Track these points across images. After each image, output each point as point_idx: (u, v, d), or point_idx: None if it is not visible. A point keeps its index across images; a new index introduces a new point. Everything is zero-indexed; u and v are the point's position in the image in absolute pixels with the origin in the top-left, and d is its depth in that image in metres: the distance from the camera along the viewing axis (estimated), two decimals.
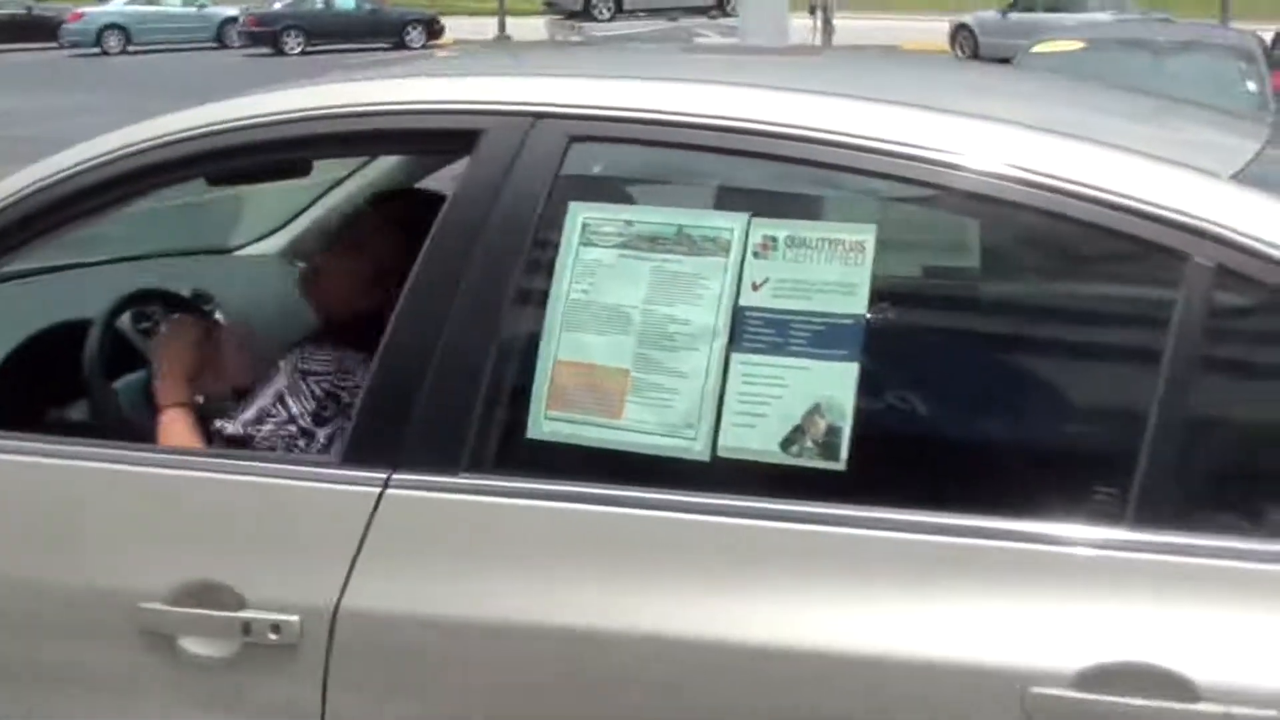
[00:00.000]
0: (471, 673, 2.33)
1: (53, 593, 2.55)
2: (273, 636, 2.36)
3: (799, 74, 3.02)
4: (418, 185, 3.84)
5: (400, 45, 40.84)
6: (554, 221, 2.40)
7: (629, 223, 2.37)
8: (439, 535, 2.36)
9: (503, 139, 2.47)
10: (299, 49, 40.04)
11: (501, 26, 42.35)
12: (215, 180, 3.00)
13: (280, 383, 2.91)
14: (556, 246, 2.38)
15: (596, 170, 2.60)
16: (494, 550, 2.33)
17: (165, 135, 2.69)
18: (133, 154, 2.69)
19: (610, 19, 38.95)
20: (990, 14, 34.09)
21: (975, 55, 32.40)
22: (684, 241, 2.32)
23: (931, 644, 2.10)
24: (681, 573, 2.23)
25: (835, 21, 34.83)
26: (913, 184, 2.35)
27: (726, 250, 2.30)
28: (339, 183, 4.35)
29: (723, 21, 32.94)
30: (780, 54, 3.87)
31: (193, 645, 2.42)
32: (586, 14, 39.07)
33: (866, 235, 2.26)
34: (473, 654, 2.31)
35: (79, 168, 2.71)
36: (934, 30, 37.20)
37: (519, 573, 2.29)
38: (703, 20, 36.21)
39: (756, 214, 2.31)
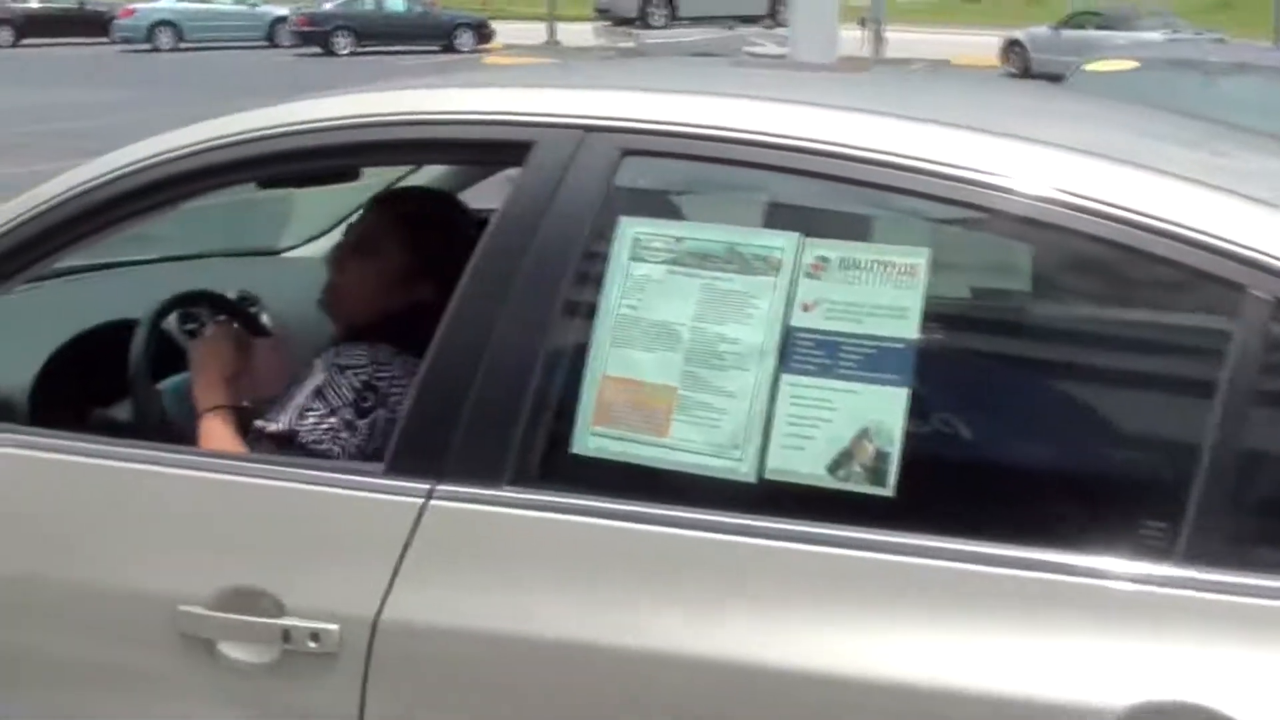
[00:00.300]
0: (510, 689, 2.31)
1: (93, 592, 2.55)
2: (312, 645, 2.35)
3: (851, 92, 3.00)
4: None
5: (449, 48, 41.03)
6: (604, 236, 2.38)
7: (679, 239, 2.35)
8: (481, 548, 2.35)
9: (554, 151, 2.46)
10: (349, 49, 40.25)
11: (551, 32, 42.44)
12: (266, 184, 2.99)
13: (317, 379, 2.91)
14: (606, 261, 2.37)
15: (648, 185, 2.58)
16: (535, 565, 2.31)
17: (220, 138, 2.69)
18: (183, 157, 2.70)
19: (665, 26, 39.00)
20: (1042, 29, 34.09)
21: (1026, 71, 32.39)
22: (735, 259, 2.31)
23: (972, 676, 2.07)
24: (725, 595, 2.21)
25: (887, 34, 34.82)
26: (964, 207, 2.32)
27: (778, 270, 2.28)
28: (388, 186, 4.34)
29: (778, 31, 32.96)
30: (832, 71, 3.84)
31: (231, 650, 2.41)
32: (642, 21, 39.10)
33: (920, 259, 2.24)
34: (512, 670, 2.30)
35: (132, 167, 2.71)
36: (984, 44, 37.12)
37: (560, 589, 2.28)
38: (757, 29, 36.23)
39: (808, 234, 2.30)
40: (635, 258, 2.35)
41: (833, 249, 2.27)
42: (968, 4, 55.66)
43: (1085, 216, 2.22)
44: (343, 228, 4.38)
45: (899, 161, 2.32)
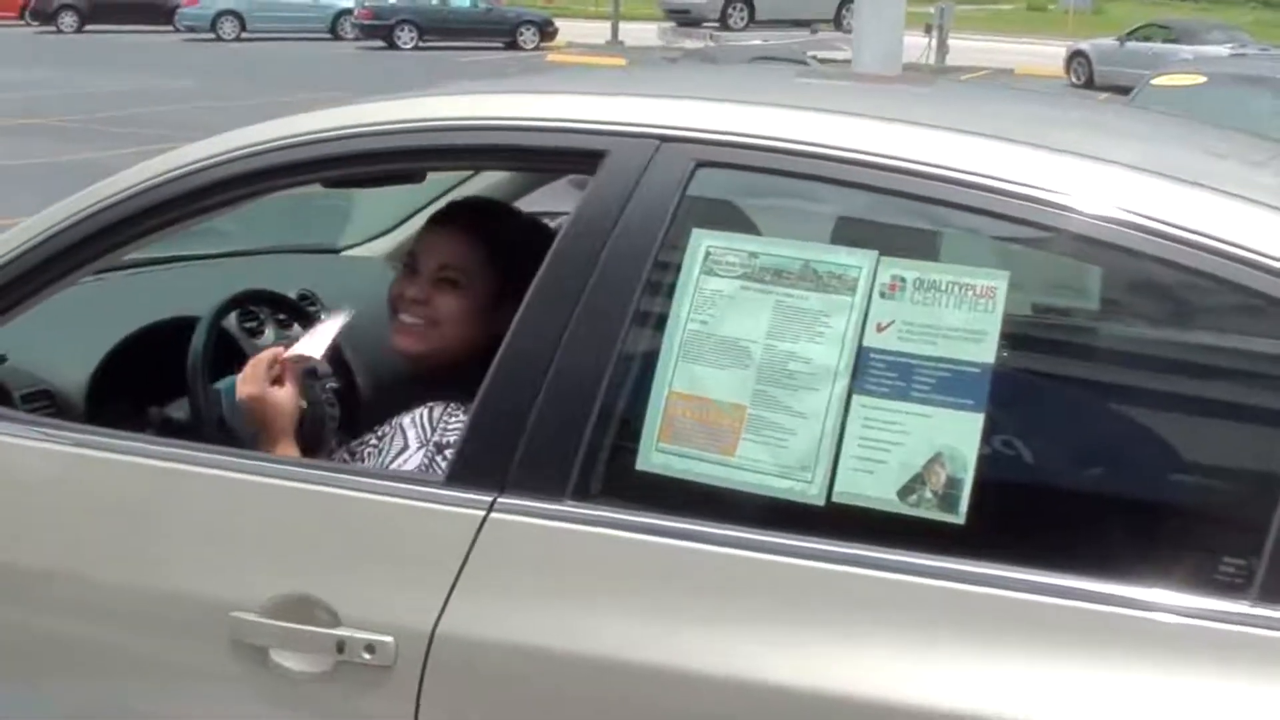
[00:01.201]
0: (566, 707, 2.28)
1: (146, 593, 2.53)
2: (366, 656, 2.32)
3: (926, 107, 2.95)
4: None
5: (513, 45, 41.16)
6: (676, 248, 2.34)
7: (753, 254, 2.31)
8: (541, 563, 2.31)
9: (628, 161, 2.42)
10: (412, 44, 40.43)
11: (614, 31, 42.48)
12: (332, 184, 2.97)
13: (414, 455, 2.77)
14: (677, 274, 2.33)
15: (721, 197, 2.54)
16: (596, 582, 2.27)
17: (290, 137, 2.68)
18: (253, 155, 2.68)
19: (744, 28, 39.14)
20: (1107, 41, 33.93)
21: (1089, 82, 32.27)
22: (809, 276, 2.26)
23: (1038, 711, 2.01)
24: (788, 620, 2.16)
25: (950, 41, 34.75)
26: (1037, 228, 2.27)
27: (853, 289, 2.23)
28: (449, 189, 4.32)
29: (842, 35, 32.95)
30: (901, 83, 3.81)
31: (284, 659, 2.39)
32: (722, 23, 39.22)
33: (998, 281, 2.19)
34: (569, 688, 2.26)
35: (200, 164, 2.70)
36: (1047, 54, 37.03)
37: (619, 607, 2.24)
38: (839, 35, 36.20)
39: (885, 252, 2.25)
40: (707, 271, 2.31)
41: (909, 269, 2.23)
42: (1032, 12, 55.48)
43: (1162, 241, 2.17)
44: (414, 225, 4.37)
45: (975, 180, 2.27)
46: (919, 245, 2.39)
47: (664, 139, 2.43)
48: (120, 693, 2.60)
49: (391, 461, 2.78)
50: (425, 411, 2.83)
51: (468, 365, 2.58)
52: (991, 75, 33.30)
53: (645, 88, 2.90)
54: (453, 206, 3.25)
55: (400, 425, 2.84)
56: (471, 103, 2.76)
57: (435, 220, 3.12)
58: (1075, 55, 34.48)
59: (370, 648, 2.32)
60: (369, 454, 2.89)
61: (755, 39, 32.55)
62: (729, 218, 2.51)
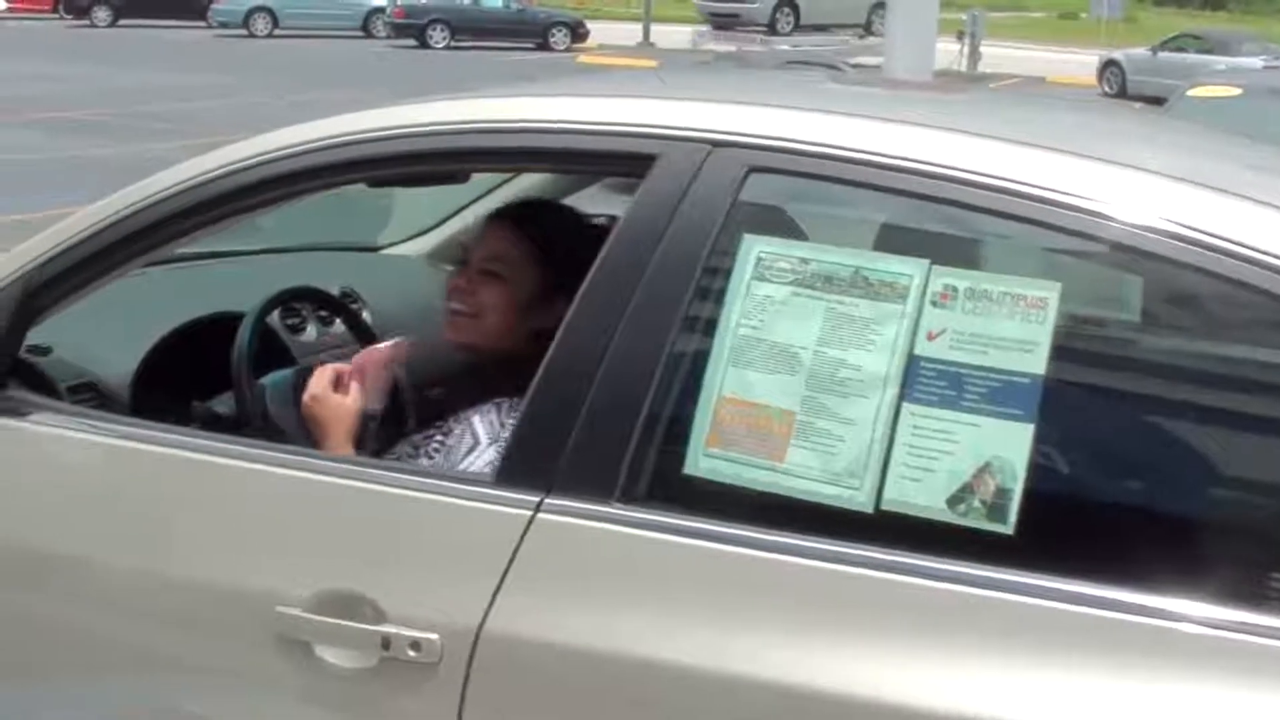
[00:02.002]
0: (609, 709, 2.28)
1: (190, 586, 2.55)
2: (411, 653, 2.33)
3: (977, 116, 2.96)
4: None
5: (544, 46, 41.17)
6: (727, 253, 2.34)
7: (804, 260, 2.31)
8: (587, 564, 2.32)
9: (679, 165, 2.42)
10: (444, 44, 40.47)
11: (646, 33, 42.49)
12: (376, 184, 2.98)
13: (485, 455, 2.81)
14: (728, 279, 2.33)
15: (772, 203, 2.54)
16: (641, 585, 2.28)
17: (336, 137, 2.69)
18: (296, 155, 2.70)
19: (790, 33, 39.24)
20: (1140, 51, 33.80)
21: (1122, 92, 32.17)
22: (860, 284, 2.26)
23: None
24: (834, 627, 2.16)
25: (981, 48, 34.68)
26: (1087, 239, 2.27)
27: (904, 297, 2.23)
28: (490, 190, 4.33)
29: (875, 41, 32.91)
30: (955, 92, 3.81)
31: (329, 654, 2.39)
32: (770, 28, 39.30)
33: (1050, 293, 2.18)
34: (612, 690, 2.26)
35: (245, 164, 2.72)
36: (1079, 63, 36.91)
37: (664, 611, 2.24)
38: (874, 40, 36.20)
39: (936, 261, 2.25)
40: (758, 277, 2.31)
41: (961, 278, 2.23)
42: (1063, 21, 55.34)
43: (1208, 253, 2.17)
44: (455, 225, 4.39)
45: (1028, 191, 2.27)
46: (971, 254, 2.39)
47: (716, 143, 2.43)
48: (161, 685, 2.62)
49: (463, 459, 2.82)
50: (494, 409, 2.88)
51: (518, 363, 2.58)
52: (1023, 83, 33.19)
53: (696, 92, 2.90)
54: (508, 204, 3.32)
55: (470, 422, 2.88)
56: (520, 105, 2.77)
57: (490, 216, 3.20)
58: (1108, 65, 34.36)
59: (415, 645, 2.32)
60: (434, 449, 2.91)
61: (806, 43, 32.65)
62: (779, 223, 2.51)
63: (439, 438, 2.92)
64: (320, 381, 2.99)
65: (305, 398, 3.01)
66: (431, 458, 2.89)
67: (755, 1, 39.95)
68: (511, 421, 2.76)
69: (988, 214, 2.32)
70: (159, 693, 2.61)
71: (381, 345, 3.22)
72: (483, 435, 2.83)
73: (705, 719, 2.21)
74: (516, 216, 3.14)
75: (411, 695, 2.36)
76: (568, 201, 3.85)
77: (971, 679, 2.07)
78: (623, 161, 2.57)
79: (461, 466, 2.80)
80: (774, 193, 2.51)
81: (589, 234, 3.01)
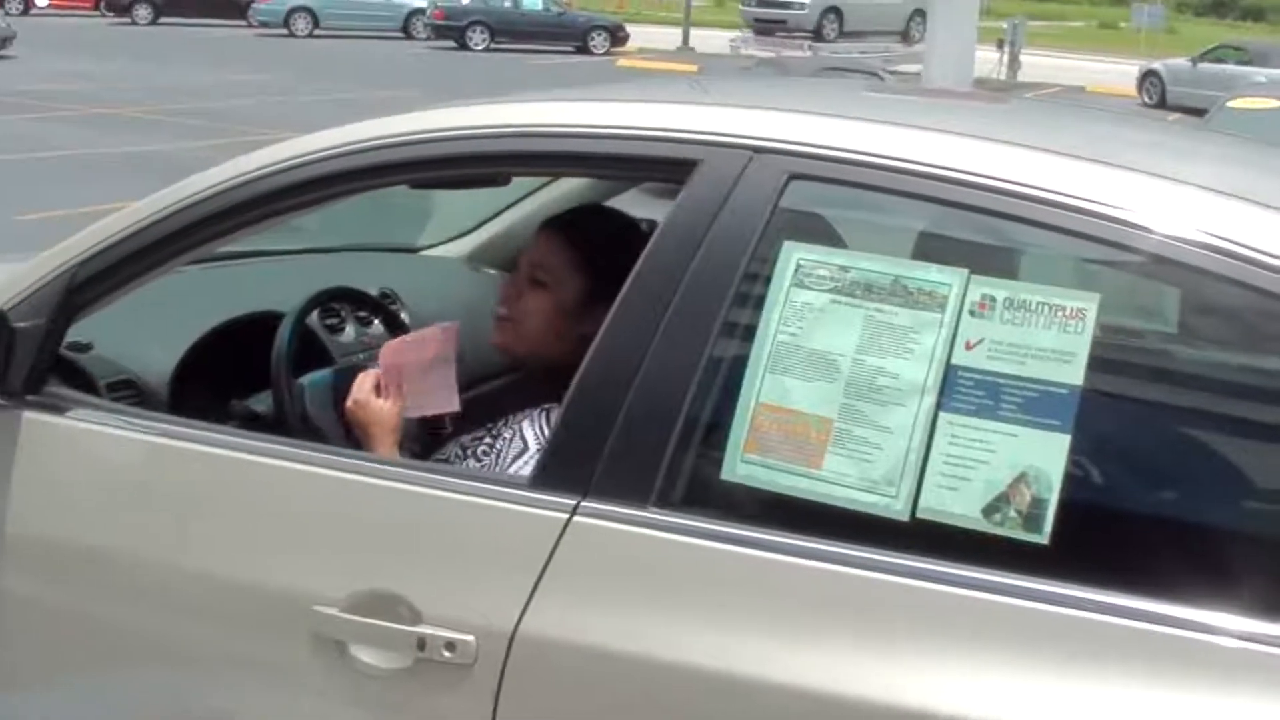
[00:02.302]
0: (642, 713, 2.29)
1: (226, 584, 2.56)
2: (447, 654, 2.34)
3: (1020, 127, 2.95)
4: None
5: (583, 50, 41.22)
6: (766, 259, 2.34)
7: (844, 268, 2.31)
8: (623, 568, 2.32)
9: (720, 171, 2.42)
10: (483, 46, 40.56)
11: (685, 38, 42.50)
12: (421, 186, 2.99)
13: (534, 460, 2.79)
14: (767, 285, 2.33)
15: (813, 210, 2.54)
16: (676, 590, 2.28)
17: (384, 138, 2.70)
18: (341, 156, 2.70)
19: (834, 39, 39.25)
20: (1180, 62, 33.67)
21: (1162, 102, 32.07)
22: (899, 292, 2.26)
23: None
24: (868, 633, 2.16)
25: (1021, 57, 34.59)
26: (1128, 250, 2.27)
27: (943, 306, 2.23)
28: (530, 194, 4.34)
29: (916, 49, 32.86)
30: (996, 102, 3.80)
31: (364, 654, 2.41)
32: (817, 34, 39.31)
33: (1089, 304, 2.18)
34: (645, 694, 2.27)
35: (289, 164, 2.73)
36: (1118, 73, 36.82)
37: (700, 616, 2.24)
38: (913, 49, 36.16)
39: (975, 271, 2.25)
40: (797, 284, 2.31)
41: (999, 288, 2.22)
42: (1104, 30, 55.16)
43: (1248, 267, 2.17)
44: (495, 228, 4.39)
45: (1067, 201, 2.27)
46: (1009, 264, 2.39)
47: (757, 150, 2.43)
48: (194, 681, 2.63)
49: (511, 464, 2.83)
50: (543, 414, 2.89)
51: (569, 369, 2.58)
52: (1062, 92, 33.14)
53: (737, 98, 2.91)
54: (560, 213, 3.31)
55: (519, 427, 2.90)
56: (561, 109, 2.77)
57: (542, 224, 3.20)
58: (1148, 75, 34.27)
59: (451, 646, 2.33)
60: (483, 452, 2.92)
61: (852, 50, 32.67)
62: (819, 231, 2.51)
63: (487, 440, 2.93)
64: (363, 387, 3.04)
65: (348, 403, 3.05)
66: (480, 460, 2.90)
67: (803, 9, 39.92)
68: None
69: (1027, 224, 2.31)
70: (192, 688, 2.62)
71: (425, 334, 3.22)
72: (531, 441, 2.85)
73: None
74: (565, 224, 3.14)
75: (446, 696, 2.37)
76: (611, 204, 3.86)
77: (1004, 688, 2.07)
78: (664, 167, 2.57)
79: (510, 471, 2.81)
80: (814, 200, 2.50)
81: (637, 240, 3.00)
